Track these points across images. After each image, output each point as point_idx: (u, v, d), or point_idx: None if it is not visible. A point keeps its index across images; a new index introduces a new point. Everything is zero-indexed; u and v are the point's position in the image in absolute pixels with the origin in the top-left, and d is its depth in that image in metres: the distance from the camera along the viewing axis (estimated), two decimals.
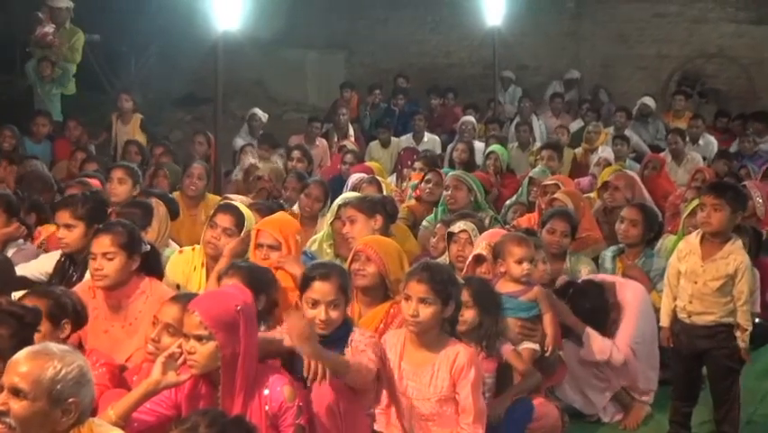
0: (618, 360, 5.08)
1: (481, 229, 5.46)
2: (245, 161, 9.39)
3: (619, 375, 5.17)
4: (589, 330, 5.06)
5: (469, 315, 4.23)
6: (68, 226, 4.80)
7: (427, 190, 7.22)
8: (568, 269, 5.72)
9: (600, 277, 5.46)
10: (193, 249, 5.19)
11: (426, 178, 7.31)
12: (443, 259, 5.60)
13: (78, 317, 3.89)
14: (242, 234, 4.95)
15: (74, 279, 4.65)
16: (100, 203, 5.04)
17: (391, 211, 5.80)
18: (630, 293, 5.24)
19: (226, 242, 4.91)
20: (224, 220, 4.96)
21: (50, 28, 10.29)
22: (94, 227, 4.74)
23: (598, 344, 5.06)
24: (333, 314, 3.79)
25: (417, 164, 8.51)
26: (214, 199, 6.90)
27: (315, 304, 3.81)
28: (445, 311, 3.82)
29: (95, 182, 6.53)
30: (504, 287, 4.72)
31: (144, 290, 4.32)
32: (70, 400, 2.86)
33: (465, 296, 4.23)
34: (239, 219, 4.98)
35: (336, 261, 5.53)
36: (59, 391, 2.84)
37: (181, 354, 3.42)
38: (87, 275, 4.63)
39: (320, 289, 3.80)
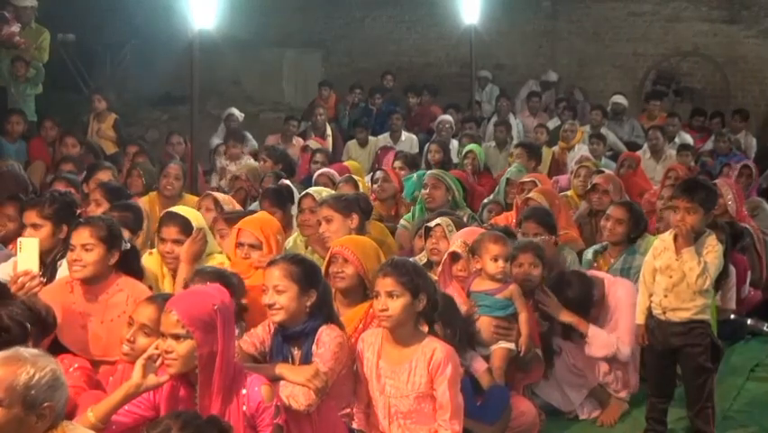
0: (626, 354, 5.12)
1: (459, 226, 5.47)
2: (219, 161, 9.39)
3: (609, 375, 5.20)
4: (592, 327, 5.09)
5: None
6: (34, 226, 4.75)
7: (378, 189, 7.40)
8: None
9: (592, 272, 5.48)
10: None
11: (374, 178, 7.54)
12: (422, 256, 5.62)
13: (44, 326, 3.75)
14: (192, 234, 4.88)
15: (44, 280, 4.61)
16: (68, 204, 4.99)
17: (366, 208, 5.81)
18: (622, 290, 5.26)
19: (180, 250, 4.87)
20: (170, 232, 4.92)
21: (16, 28, 10.20)
22: (61, 228, 4.73)
23: (602, 339, 5.09)
24: (281, 299, 3.77)
25: (397, 163, 8.55)
26: (191, 199, 6.86)
27: (265, 289, 3.84)
28: (416, 304, 3.82)
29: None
30: (480, 285, 4.73)
31: (122, 287, 4.29)
32: (45, 404, 2.83)
33: None
34: (184, 225, 4.92)
35: (308, 253, 5.55)
36: (33, 396, 2.80)
37: (160, 355, 3.40)
38: (60, 273, 4.61)
39: (267, 274, 3.86)
